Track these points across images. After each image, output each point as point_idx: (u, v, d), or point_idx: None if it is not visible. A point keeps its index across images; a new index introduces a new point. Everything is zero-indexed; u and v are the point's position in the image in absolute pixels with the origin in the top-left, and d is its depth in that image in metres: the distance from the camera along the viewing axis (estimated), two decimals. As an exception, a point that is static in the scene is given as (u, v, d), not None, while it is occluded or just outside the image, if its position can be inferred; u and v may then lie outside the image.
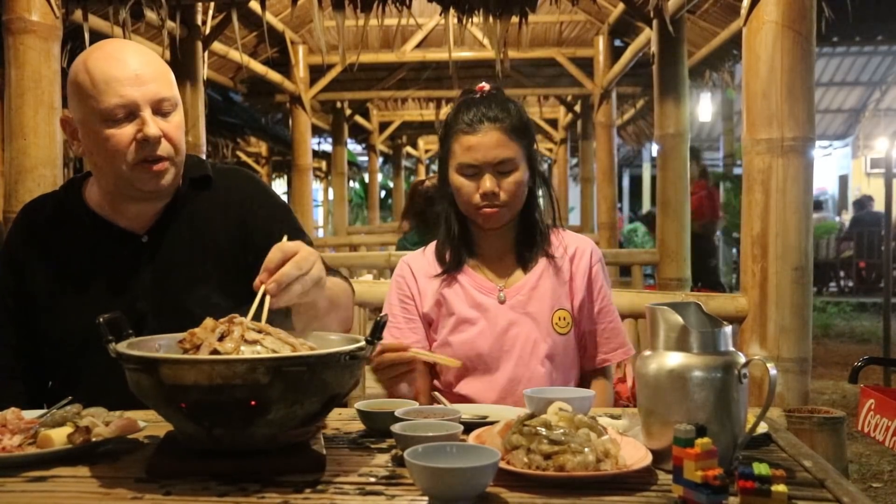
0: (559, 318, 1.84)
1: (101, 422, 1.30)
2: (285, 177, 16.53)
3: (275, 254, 1.29)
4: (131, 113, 1.53)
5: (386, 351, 1.61)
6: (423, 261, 1.94)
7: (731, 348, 1.20)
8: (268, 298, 1.27)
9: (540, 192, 1.90)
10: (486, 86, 1.90)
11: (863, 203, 13.34)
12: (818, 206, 14.04)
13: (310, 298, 1.34)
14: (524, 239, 1.89)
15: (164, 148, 1.56)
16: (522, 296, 1.84)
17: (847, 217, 16.01)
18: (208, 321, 1.26)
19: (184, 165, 1.70)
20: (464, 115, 1.82)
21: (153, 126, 1.53)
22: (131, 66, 1.53)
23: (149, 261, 1.65)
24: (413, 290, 1.91)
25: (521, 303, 1.84)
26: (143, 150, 1.54)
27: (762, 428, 1.35)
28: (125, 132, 1.53)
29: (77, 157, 6.46)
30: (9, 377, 1.67)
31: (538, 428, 1.16)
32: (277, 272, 1.27)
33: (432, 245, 1.96)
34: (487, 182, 1.78)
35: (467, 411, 1.52)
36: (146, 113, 1.53)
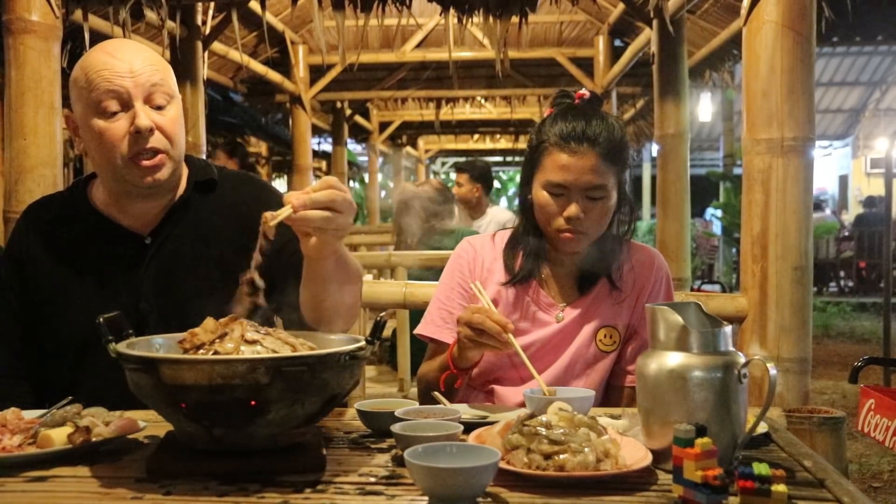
0: (604, 336, 1.79)
1: (101, 422, 1.30)
2: (285, 177, 16.53)
3: (322, 182, 1.30)
4: (125, 105, 1.53)
5: (487, 315, 1.54)
6: (491, 252, 1.87)
7: (731, 348, 1.20)
8: (288, 209, 1.28)
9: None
10: (586, 92, 1.81)
11: (873, 202, 13.32)
12: (818, 206, 14.02)
13: (324, 238, 1.33)
14: (594, 259, 1.81)
15: (158, 140, 1.56)
16: (577, 314, 1.80)
17: (846, 217, 16.01)
18: (209, 321, 1.26)
19: (189, 168, 1.70)
20: (561, 126, 1.70)
21: (144, 117, 1.53)
22: (125, 58, 1.54)
23: (151, 262, 1.65)
24: (475, 276, 1.84)
25: (575, 321, 1.79)
26: (136, 143, 1.54)
27: (762, 428, 1.35)
28: (119, 126, 1.54)
29: (77, 157, 6.47)
30: (13, 377, 1.67)
31: (538, 428, 1.16)
32: (309, 193, 1.28)
33: (503, 235, 1.89)
34: (574, 207, 1.69)
35: (467, 411, 1.52)
36: (137, 104, 1.53)
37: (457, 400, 1.70)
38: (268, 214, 1.28)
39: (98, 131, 1.54)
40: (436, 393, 1.66)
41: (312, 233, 1.33)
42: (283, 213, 1.28)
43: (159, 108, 1.57)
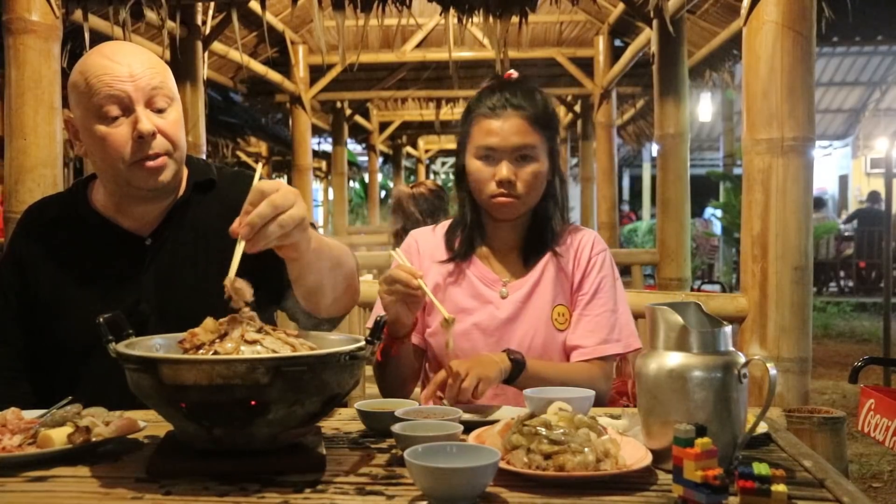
0: (558, 315, 1.81)
1: (101, 422, 1.30)
2: (285, 177, 16.54)
3: (253, 195, 1.22)
4: (126, 109, 1.53)
5: (399, 268, 1.60)
6: (432, 240, 1.91)
7: (731, 348, 1.20)
8: (241, 244, 1.22)
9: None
10: (514, 73, 1.87)
11: (877, 197, 13.32)
12: (821, 203, 14.00)
13: (292, 240, 1.27)
14: (535, 234, 1.85)
15: (160, 144, 1.56)
16: (524, 291, 1.82)
17: (845, 215, 16.01)
18: (208, 321, 1.26)
19: (189, 169, 1.70)
20: (487, 99, 1.78)
21: (146, 122, 1.53)
22: (124, 62, 1.54)
23: (152, 263, 1.65)
24: (418, 268, 1.86)
25: (523, 298, 1.82)
26: (139, 148, 1.54)
27: (762, 428, 1.35)
28: (121, 131, 1.53)
29: (77, 157, 6.44)
30: (14, 377, 1.67)
31: (538, 428, 1.16)
32: (251, 214, 1.21)
33: (444, 224, 1.93)
34: (504, 169, 1.74)
35: (467, 411, 1.52)
36: (139, 108, 1.53)
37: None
38: (227, 282, 1.22)
39: (100, 136, 1.54)
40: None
41: (278, 242, 1.27)
42: (237, 257, 1.22)
43: (160, 111, 1.56)
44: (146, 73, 1.54)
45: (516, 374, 1.66)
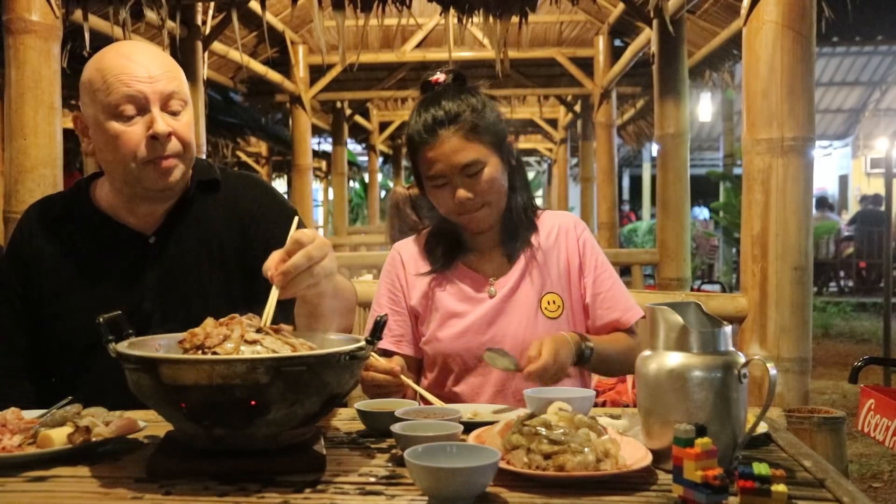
0: (548, 303, 1.82)
1: (101, 422, 1.30)
2: (285, 177, 16.54)
3: (290, 244, 1.27)
4: (141, 109, 1.54)
5: (374, 369, 1.56)
6: (414, 250, 1.92)
7: (731, 348, 1.20)
8: (274, 290, 1.27)
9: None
10: (440, 77, 1.83)
11: (879, 199, 13.35)
12: (826, 204, 13.99)
13: (320, 290, 1.32)
14: (510, 231, 1.85)
15: (173, 146, 1.57)
16: (510, 286, 1.82)
17: (847, 217, 16.03)
18: (209, 321, 1.26)
19: (192, 168, 1.70)
20: (416, 124, 1.76)
21: (162, 123, 1.54)
22: (142, 62, 1.55)
23: (155, 261, 1.65)
24: (402, 282, 1.89)
25: (508, 293, 1.82)
26: (152, 148, 1.55)
27: (762, 428, 1.35)
28: (135, 130, 1.54)
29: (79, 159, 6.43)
30: (15, 377, 1.67)
31: (538, 428, 1.16)
32: (286, 263, 1.25)
33: (425, 233, 1.93)
34: (460, 192, 1.73)
35: (467, 411, 1.52)
36: (155, 109, 1.54)
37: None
38: (263, 327, 1.26)
39: (113, 134, 1.55)
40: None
41: (306, 290, 1.30)
42: (272, 303, 1.27)
43: (174, 113, 1.58)
44: (164, 76, 1.56)
45: (586, 358, 1.69)
